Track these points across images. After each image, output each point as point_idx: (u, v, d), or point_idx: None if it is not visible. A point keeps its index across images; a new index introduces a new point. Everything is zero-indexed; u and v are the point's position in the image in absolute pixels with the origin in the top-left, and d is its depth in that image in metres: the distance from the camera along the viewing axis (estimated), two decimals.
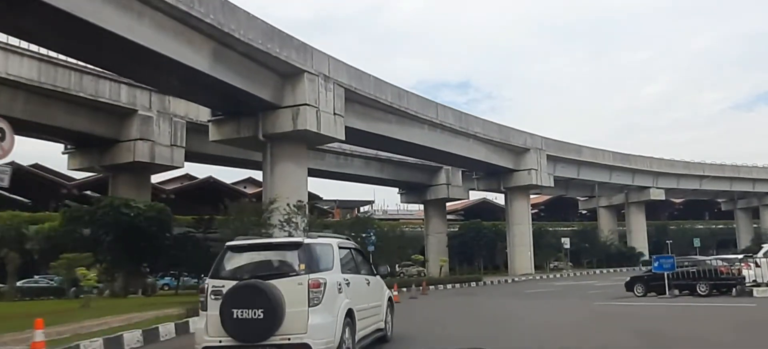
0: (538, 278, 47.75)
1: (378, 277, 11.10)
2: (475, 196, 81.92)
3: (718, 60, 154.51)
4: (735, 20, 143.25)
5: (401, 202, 59.11)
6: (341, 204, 68.72)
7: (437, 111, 40.66)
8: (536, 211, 75.04)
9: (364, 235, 31.10)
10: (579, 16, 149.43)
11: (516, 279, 45.28)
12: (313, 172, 46.22)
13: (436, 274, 45.46)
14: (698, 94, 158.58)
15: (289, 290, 7.89)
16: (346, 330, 8.41)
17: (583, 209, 77.95)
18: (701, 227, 78.70)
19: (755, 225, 78.35)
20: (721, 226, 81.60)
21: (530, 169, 50.46)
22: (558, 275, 50.26)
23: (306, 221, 26.43)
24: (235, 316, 7.72)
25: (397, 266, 43.83)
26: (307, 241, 8.62)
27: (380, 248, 33.86)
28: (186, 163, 37.30)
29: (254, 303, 7.69)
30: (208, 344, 7.99)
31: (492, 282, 41.57)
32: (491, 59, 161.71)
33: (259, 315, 7.66)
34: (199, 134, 34.58)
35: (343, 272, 8.84)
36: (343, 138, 30.84)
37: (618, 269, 59.05)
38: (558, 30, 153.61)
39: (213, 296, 8.06)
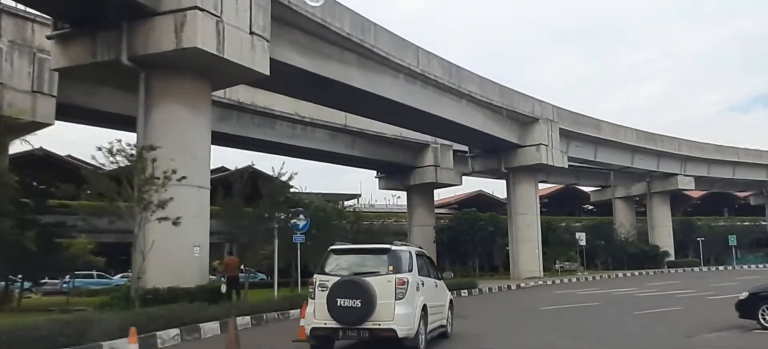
0: (548, 282, 37.07)
1: (442, 281, 12.79)
2: (470, 185, 72.36)
3: (715, 62, 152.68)
4: (733, 23, 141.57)
5: (380, 188, 48.30)
6: (325, 198, 58.24)
7: (418, 57, 29.85)
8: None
9: (292, 219, 20.55)
10: (576, 18, 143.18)
11: (521, 285, 34.56)
12: (260, 145, 35.63)
13: None
14: (695, 96, 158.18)
15: (381, 285, 9.90)
16: (421, 322, 10.26)
17: (593, 202, 67.13)
18: (724, 223, 68.32)
19: None
20: (747, 222, 71.01)
21: (539, 144, 39.72)
22: (574, 280, 39.59)
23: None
24: (338, 304, 9.72)
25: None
26: (393, 248, 10.58)
27: (317, 239, 23.21)
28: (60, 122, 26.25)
29: (354, 295, 9.72)
30: (316, 324, 10.02)
31: (490, 289, 30.80)
32: (487, 60, 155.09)
33: (357, 304, 9.67)
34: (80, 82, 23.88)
35: (419, 275, 10.68)
36: (265, 71, 19.91)
37: (642, 272, 48.46)
38: (555, 31, 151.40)
39: (320, 288, 10.14)
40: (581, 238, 44.54)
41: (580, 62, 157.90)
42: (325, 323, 9.89)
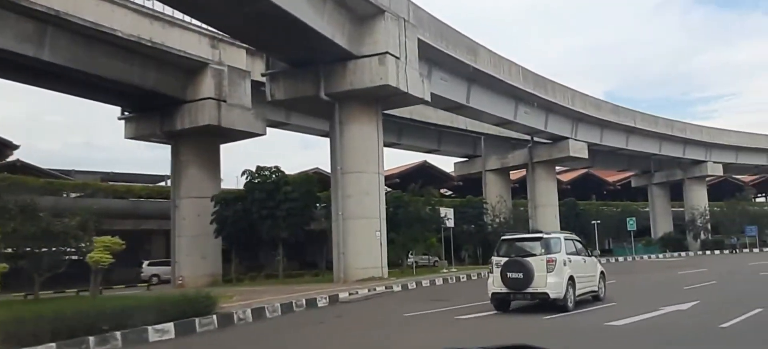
0: (394, 288, 20.70)
1: (593, 258, 16.22)
2: (405, 156, 54.41)
3: (565, 70, 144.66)
4: (582, 33, 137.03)
5: (128, 136, 28.89)
6: None
7: None
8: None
9: None
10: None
11: (342, 297, 17.73)
12: None
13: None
14: None
15: (536, 263, 13.21)
16: (569, 288, 13.31)
17: (459, 177, 52.23)
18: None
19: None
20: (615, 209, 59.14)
21: (385, 53, 23.25)
22: (438, 282, 23.67)
23: None
24: (508, 276, 13.22)
25: None
26: (545, 235, 14.42)
27: None
28: None
29: (518, 269, 13.16)
30: (495, 290, 13.70)
31: (254, 314, 13.60)
32: None
33: (520, 276, 13.11)
34: None
35: (567, 254, 13.84)
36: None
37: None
38: None
39: (496, 266, 13.69)
40: (448, 216, 28.82)
41: None
42: (501, 289, 13.51)
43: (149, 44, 24.09)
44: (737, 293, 17.25)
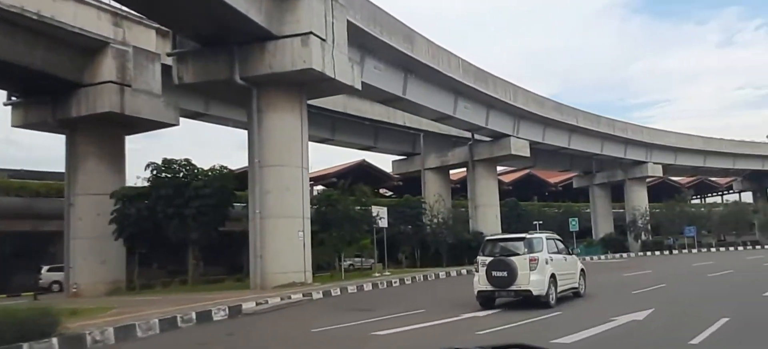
0: (315, 294, 18.21)
1: (574, 256, 16.98)
2: (336, 154, 50.35)
3: (505, 74, 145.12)
4: (522, 38, 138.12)
5: (15, 124, 25.23)
6: None
7: None
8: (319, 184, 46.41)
9: None
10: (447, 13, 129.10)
11: (250, 307, 15.13)
12: None
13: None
14: None
15: (520, 261, 13.74)
16: (551, 286, 13.87)
17: (399, 175, 50.07)
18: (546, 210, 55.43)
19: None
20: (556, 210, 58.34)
21: (308, 33, 20.73)
22: (366, 287, 21.30)
23: None
24: (493, 275, 13.73)
25: None
26: (528, 236, 14.81)
27: None
28: None
29: (503, 268, 13.69)
30: (480, 288, 14.11)
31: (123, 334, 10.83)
32: None
33: (504, 274, 13.63)
34: None
35: (548, 253, 14.42)
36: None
37: (462, 271, 31.76)
38: None
39: (481, 265, 14.13)
40: (380, 215, 26.52)
41: None
42: (486, 287, 13.93)
43: (35, 18, 20.85)
44: (691, 297, 15.51)
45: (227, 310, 13.94)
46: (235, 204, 25.84)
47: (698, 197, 79.42)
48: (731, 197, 75.55)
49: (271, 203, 21.40)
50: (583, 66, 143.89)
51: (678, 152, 56.82)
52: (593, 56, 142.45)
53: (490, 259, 14.06)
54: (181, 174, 23.21)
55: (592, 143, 49.03)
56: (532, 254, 13.88)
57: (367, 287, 21.80)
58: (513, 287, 13.64)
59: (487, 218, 40.77)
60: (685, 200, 60.32)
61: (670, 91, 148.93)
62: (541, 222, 42.30)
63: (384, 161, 51.75)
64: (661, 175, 58.56)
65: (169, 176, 23.23)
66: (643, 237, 53.40)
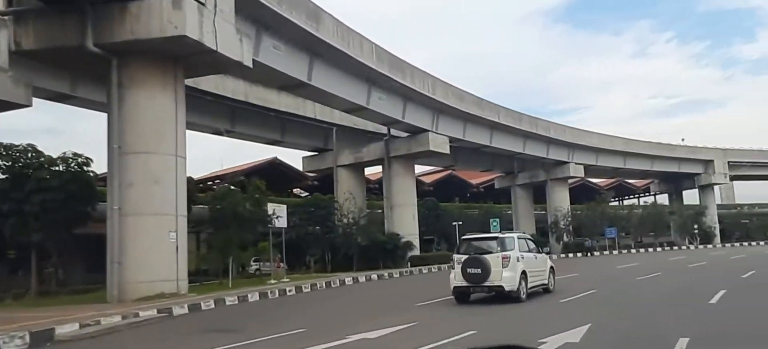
0: (180, 309, 14.60)
1: (544, 255, 17.68)
2: (254, 150, 45.92)
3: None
4: (445, 42, 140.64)
5: None
6: None
7: None
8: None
9: None
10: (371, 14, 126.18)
11: (84, 326, 11.44)
12: None
13: None
14: None
15: (493, 259, 14.37)
16: (522, 282, 14.50)
17: (312, 173, 46.60)
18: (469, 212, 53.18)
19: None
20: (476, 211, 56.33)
21: None
22: (251, 298, 17.87)
23: None
24: (468, 272, 14.37)
25: None
26: (500, 235, 15.99)
27: None
28: None
29: (477, 265, 14.34)
30: (456, 284, 14.71)
31: None
32: None
33: (479, 271, 14.28)
34: None
35: (520, 251, 15.05)
36: None
37: (373, 276, 28.83)
38: None
39: (457, 262, 14.77)
40: (277, 214, 23.05)
41: None
42: (462, 283, 14.54)
43: None
44: (630, 308, 12.98)
45: (28, 338, 10.21)
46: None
47: (617, 199, 79.87)
48: (648, 200, 76.29)
49: (134, 197, 17.65)
50: (506, 72, 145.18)
51: (599, 153, 56.03)
52: (516, 62, 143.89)
53: (465, 257, 14.70)
54: (21, 163, 18.94)
55: (514, 142, 47.16)
56: (504, 253, 14.53)
57: (253, 297, 18.36)
58: (486, 283, 14.29)
59: (404, 219, 37.97)
60: (606, 200, 59.76)
61: (588, 97, 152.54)
62: (460, 223, 40.00)
63: (296, 158, 48.08)
64: (583, 175, 57.69)
65: (6, 164, 18.94)
66: (566, 238, 52.14)
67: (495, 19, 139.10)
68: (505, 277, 14.18)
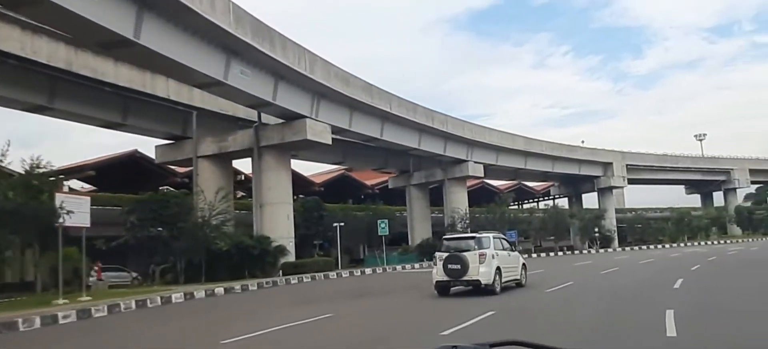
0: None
1: (516, 253, 20.19)
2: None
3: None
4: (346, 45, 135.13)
5: None
6: None
7: None
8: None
9: None
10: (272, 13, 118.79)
11: None
12: None
13: None
14: None
15: (471, 256, 16.42)
16: (496, 276, 16.52)
17: (163, 162, 39.76)
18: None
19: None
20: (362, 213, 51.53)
21: None
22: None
23: None
24: (448, 267, 16.47)
25: None
26: (477, 235, 18.01)
27: None
28: None
29: (456, 262, 16.41)
30: (438, 278, 16.81)
31: None
32: None
33: (458, 267, 16.33)
34: None
35: (495, 249, 17.12)
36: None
37: (235, 286, 22.99)
38: None
39: (439, 259, 16.93)
40: (70, 210, 16.73)
41: None
42: (443, 278, 16.62)
43: None
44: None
45: None
46: None
47: (516, 203, 77.51)
48: (548, 203, 74.57)
49: None
50: (411, 76, 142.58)
51: (500, 152, 52.50)
52: (420, 67, 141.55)
53: (446, 254, 16.79)
54: None
55: (408, 136, 42.46)
56: (481, 250, 16.58)
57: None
58: (465, 278, 16.35)
59: (277, 219, 32.15)
60: (506, 202, 56.46)
61: (490, 105, 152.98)
62: (342, 224, 34.79)
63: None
64: (482, 176, 53.97)
65: None
66: None
67: (397, 25, 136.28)
68: (481, 272, 16.27)
